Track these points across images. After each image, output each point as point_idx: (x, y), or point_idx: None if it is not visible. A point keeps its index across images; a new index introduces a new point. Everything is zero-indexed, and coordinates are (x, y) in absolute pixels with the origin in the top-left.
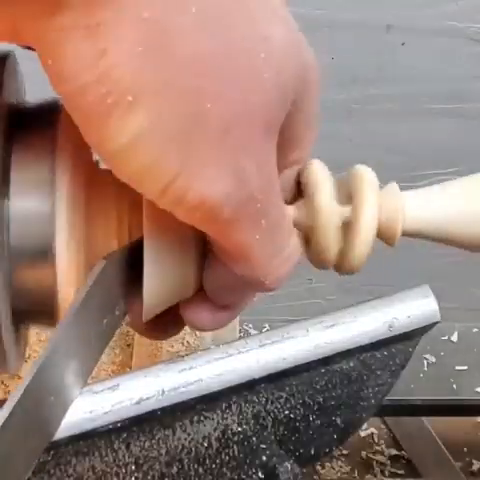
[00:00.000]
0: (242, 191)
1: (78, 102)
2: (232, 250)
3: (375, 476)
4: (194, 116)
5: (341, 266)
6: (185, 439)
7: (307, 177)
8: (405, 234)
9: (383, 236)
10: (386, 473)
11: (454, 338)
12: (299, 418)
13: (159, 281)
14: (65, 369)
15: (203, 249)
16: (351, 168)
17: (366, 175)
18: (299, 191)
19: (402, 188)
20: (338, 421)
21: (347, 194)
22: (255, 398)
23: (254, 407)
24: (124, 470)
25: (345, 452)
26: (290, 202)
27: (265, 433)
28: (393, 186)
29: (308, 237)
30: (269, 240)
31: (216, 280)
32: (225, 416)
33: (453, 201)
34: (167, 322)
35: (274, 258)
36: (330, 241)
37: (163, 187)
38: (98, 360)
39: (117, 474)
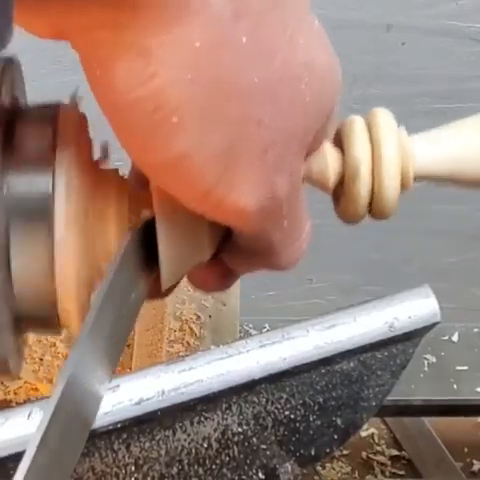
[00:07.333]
0: (272, 202)
1: (124, 116)
2: (254, 244)
3: (376, 476)
4: (236, 140)
5: (375, 210)
6: (185, 440)
7: (347, 133)
8: (418, 177)
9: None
10: (387, 473)
11: (454, 338)
12: (299, 419)
13: (174, 252)
14: (96, 359)
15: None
16: (369, 112)
17: (383, 117)
18: (336, 140)
19: None
20: (338, 421)
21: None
22: (255, 399)
23: (254, 408)
24: (124, 471)
25: (346, 452)
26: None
27: (265, 434)
28: (401, 130)
29: (339, 191)
30: (288, 236)
31: (234, 259)
32: (225, 417)
33: (460, 138)
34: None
35: (290, 247)
36: (367, 188)
37: (202, 195)
38: (126, 340)
39: (117, 475)
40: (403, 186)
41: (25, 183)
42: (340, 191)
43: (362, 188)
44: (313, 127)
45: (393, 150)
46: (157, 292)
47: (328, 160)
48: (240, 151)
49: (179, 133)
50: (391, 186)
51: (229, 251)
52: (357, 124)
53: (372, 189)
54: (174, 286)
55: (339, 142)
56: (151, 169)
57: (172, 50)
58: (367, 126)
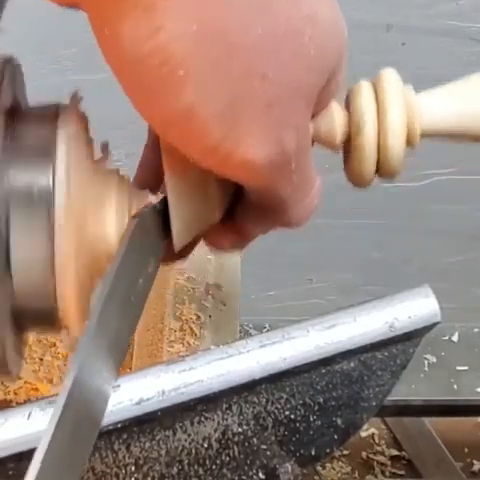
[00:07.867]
0: (280, 156)
1: (133, 72)
2: (264, 200)
3: (376, 476)
4: (241, 93)
5: (382, 170)
6: (185, 440)
7: (354, 94)
8: (426, 133)
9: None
10: (387, 473)
11: (455, 338)
12: (300, 419)
13: (184, 211)
14: (102, 357)
15: (223, 179)
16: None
17: (389, 77)
18: (345, 104)
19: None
20: (339, 422)
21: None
22: (255, 399)
23: (254, 408)
24: (124, 471)
25: (346, 452)
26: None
27: (266, 434)
28: (407, 88)
29: (347, 150)
30: (298, 190)
31: (247, 217)
32: (225, 417)
33: (467, 92)
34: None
35: (301, 202)
36: (372, 143)
37: (211, 149)
38: (132, 333)
39: (117, 475)
40: (409, 143)
41: (26, 178)
42: (348, 150)
43: (367, 143)
44: (317, 83)
45: (398, 107)
46: (171, 255)
47: (335, 118)
48: (245, 105)
49: (186, 86)
50: (396, 143)
51: (241, 211)
52: (363, 85)
53: (378, 146)
54: (188, 251)
55: (347, 105)
56: (160, 124)
57: (175, 2)
58: (373, 86)
